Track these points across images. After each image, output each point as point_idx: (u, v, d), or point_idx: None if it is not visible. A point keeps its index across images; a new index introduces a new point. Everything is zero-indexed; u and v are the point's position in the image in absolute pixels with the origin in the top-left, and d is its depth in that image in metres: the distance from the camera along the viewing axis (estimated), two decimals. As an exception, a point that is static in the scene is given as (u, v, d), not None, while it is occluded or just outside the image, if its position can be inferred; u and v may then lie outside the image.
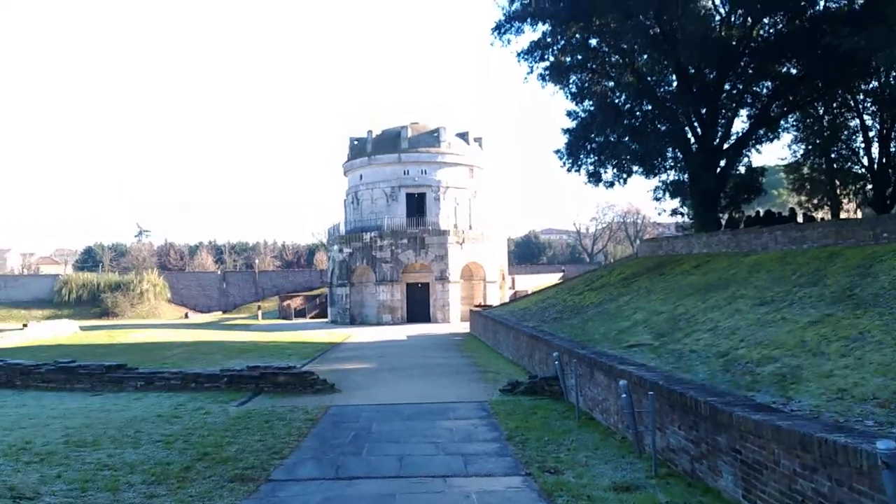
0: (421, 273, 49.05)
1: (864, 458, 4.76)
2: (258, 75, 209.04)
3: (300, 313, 61.56)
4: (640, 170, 32.00)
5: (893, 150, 29.07)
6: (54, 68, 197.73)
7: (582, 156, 32.68)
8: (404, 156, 50.90)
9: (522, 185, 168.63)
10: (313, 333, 38.31)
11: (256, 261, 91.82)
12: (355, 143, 54.30)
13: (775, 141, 31.87)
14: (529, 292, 48.86)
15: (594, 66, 31.40)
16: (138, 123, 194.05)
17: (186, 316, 69.62)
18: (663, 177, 32.51)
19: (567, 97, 32.44)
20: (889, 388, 7.25)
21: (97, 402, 15.30)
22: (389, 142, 52.03)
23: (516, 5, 30.36)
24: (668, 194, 32.63)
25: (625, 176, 32.46)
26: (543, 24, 30.25)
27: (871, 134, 29.98)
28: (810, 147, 35.06)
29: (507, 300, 49.02)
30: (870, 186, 30.95)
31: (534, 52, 31.34)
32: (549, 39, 30.76)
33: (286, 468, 9.00)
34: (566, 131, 32.79)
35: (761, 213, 28.87)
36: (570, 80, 31.95)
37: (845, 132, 33.13)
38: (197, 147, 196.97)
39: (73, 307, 70.30)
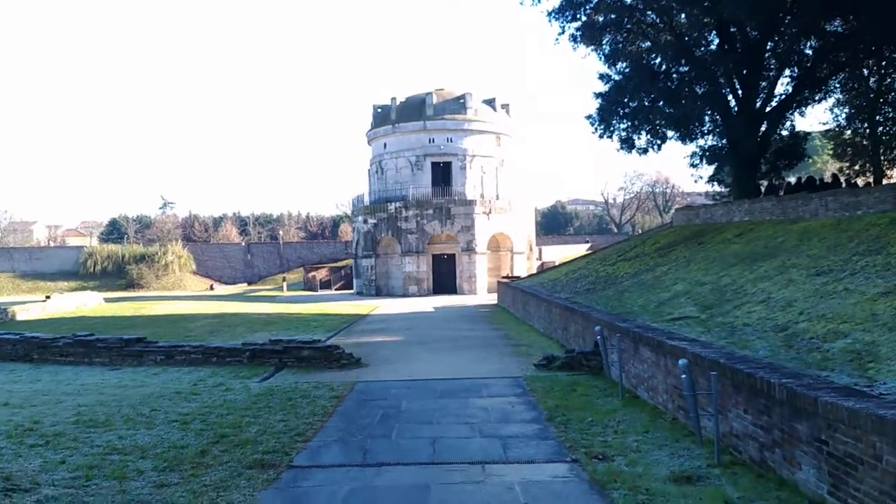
0: (447, 244, 48.25)
1: None
2: (282, 41, 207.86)
3: (325, 285, 61.21)
4: (676, 135, 30.75)
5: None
6: (85, 38, 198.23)
7: (615, 121, 31.49)
8: (429, 123, 49.83)
9: (549, 154, 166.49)
10: (338, 305, 37.79)
11: (281, 232, 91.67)
12: (379, 110, 53.27)
13: (822, 102, 30.30)
14: (557, 263, 47.92)
15: (629, 26, 30.02)
16: (164, 95, 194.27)
17: (211, 288, 69.65)
18: (700, 142, 31.21)
19: (600, 59, 31.13)
20: None
21: (114, 377, 14.78)
22: (414, 109, 50.95)
23: (547, -39, 29.05)
24: (704, 160, 31.31)
25: (659, 142, 31.27)
26: (576, -21, 28.94)
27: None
28: (853, 110, 33.56)
29: (534, 271, 48.15)
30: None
31: (565, 10, 30.06)
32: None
33: (309, 452, 8.29)
34: (598, 95, 31.55)
35: (802, 180, 27.62)
36: (604, 41, 30.64)
37: (892, 94, 31.59)
38: (222, 117, 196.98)
39: (98, 279, 70.67)
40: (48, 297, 39.33)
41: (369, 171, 54.32)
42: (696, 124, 30.27)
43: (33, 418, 10.08)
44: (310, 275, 63.53)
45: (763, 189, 28.30)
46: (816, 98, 29.44)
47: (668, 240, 25.62)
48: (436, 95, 51.01)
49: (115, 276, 72.04)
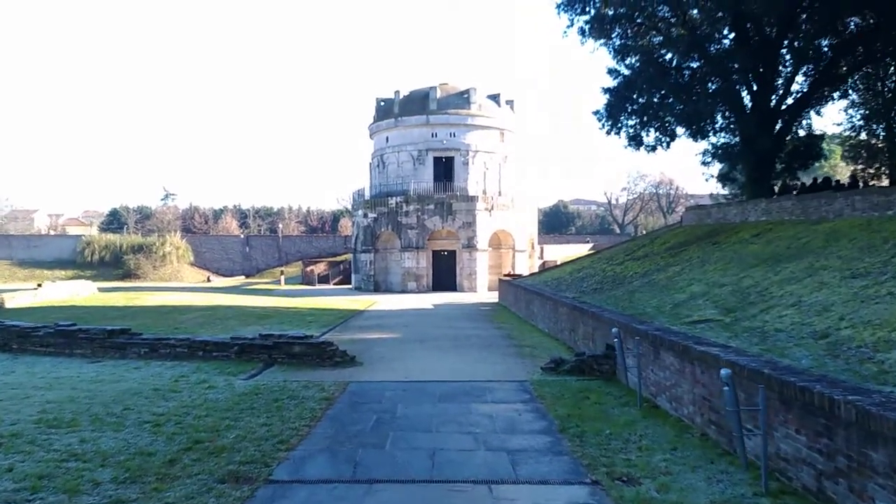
0: (447, 240, 47.23)
1: None
2: (285, 34, 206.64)
3: (323, 279, 60.23)
4: (687, 132, 29.75)
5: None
6: (91, 31, 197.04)
7: (623, 117, 30.59)
8: (432, 118, 48.79)
9: (552, 153, 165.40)
10: (336, 300, 36.81)
11: (280, 225, 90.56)
12: (382, 104, 52.21)
13: (841, 100, 29.31)
14: (559, 263, 46.94)
15: (640, 20, 29.01)
16: (170, 88, 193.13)
17: (208, 279, 68.69)
18: (713, 139, 30.22)
19: (609, 52, 30.16)
20: None
21: (92, 370, 13.81)
22: (417, 103, 49.91)
23: (558, -50, 28.08)
24: (717, 158, 30.32)
25: (668, 139, 30.38)
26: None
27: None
28: (868, 112, 32.60)
29: (536, 270, 47.17)
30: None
31: (574, 3, 29.16)
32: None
33: (292, 464, 7.32)
34: (606, 90, 30.63)
35: (818, 181, 26.62)
36: (614, 35, 29.65)
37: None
38: (226, 110, 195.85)
39: (95, 268, 69.68)
40: (39, 286, 38.30)
41: (370, 164, 53.31)
42: (708, 121, 29.30)
43: (-9, 416, 9.13)
44: (308, 269, 62.56)
45: (777, 190, 27.32)
46: (835, 96, 28.41)
47: (679, 239, 24.65)
48: (439, 90, 49.99)
49: (113, 265, 71.02)
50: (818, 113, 33.07)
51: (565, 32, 42.16)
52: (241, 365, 14.37)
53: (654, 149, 30.62)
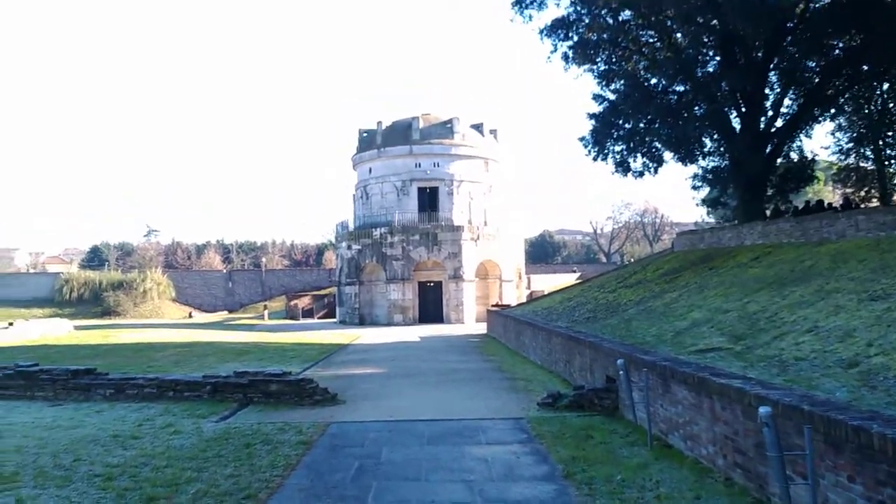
0: (433, 271, 46.31)
1: None
2: (265, 68, 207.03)
3: (308, 313, 59.05)
4: (675, 156, 29.19)
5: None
6: (66, 67, 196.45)
7: (609, 143, 29.94)
8: (416, 148, 48.18)
9: (537, 182, 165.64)
10: (320, 334, 35.70)
11: (264, 259, 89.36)
12: (364, 134, 51.60)
13: (832, 121, 28.89)
14: (546, 292, 46.08)
15: (625, 44, 28.58)
16: (149, 122, 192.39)
17: (190, 315, 67.17)
18: (702, 163, 29.66)
19: (594, 77, 29.65)
20: None
21: (50, 414, 12.68)
22: (400, 133, 49.33)
23: (539, -27, 27.66)
24: (706, 182, 29.73)
25: (655, 165, 29.73)
26: (569, -5, 27.56)
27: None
28: (856, 135, 32.30)
29: (524, 300, 46.28)
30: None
31: (558, 29, 28.62)
32: (575, 14, 28.07)
33: (259, 525, 6.33)
34: (592, 116, 30.03)
35: (811, 204, 26.05)
36: (598, 60, 29.19)
37: (898, 117, 30.30)
38: (207, 145, 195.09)
39: (74, 306, 68.02)
40: (11, 324, 36.92)
41: (354, 196, 52.52)
42: (696, 145, 28.80)
43: (-82, 473, 8.04)
44: (292, 303, 61.39)
45: (768, 213, 26.72)
46: (824, 116, 28.02)
47: (672, 265, 23.91)
48: (422, 120, 49.49)
49: (92, 303, 69.35)
50: (808, 135, 32.69)
51: (549, 58, 41.73)
52: (214, 406, 13.29)
53: (641, 174, 29.99)
